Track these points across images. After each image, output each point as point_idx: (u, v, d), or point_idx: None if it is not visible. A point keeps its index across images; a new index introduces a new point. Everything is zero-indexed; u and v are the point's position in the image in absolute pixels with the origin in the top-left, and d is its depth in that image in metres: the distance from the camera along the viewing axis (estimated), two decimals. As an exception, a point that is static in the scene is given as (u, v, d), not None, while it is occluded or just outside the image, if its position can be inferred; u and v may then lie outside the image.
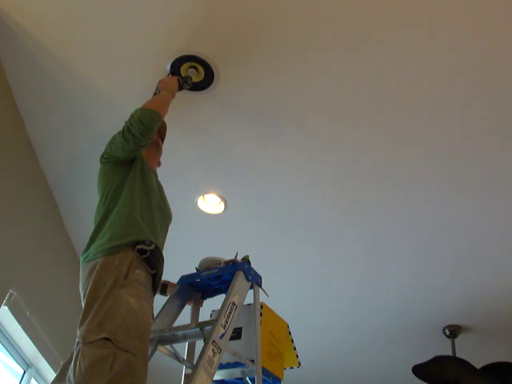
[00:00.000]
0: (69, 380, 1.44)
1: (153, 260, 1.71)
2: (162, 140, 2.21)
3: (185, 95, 2.30)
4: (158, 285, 1.76)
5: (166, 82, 2.11)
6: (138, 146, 1.86)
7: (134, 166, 1.91)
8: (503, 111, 2.25)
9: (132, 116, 1.85)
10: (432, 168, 2.55)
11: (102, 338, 1.45)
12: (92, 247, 1.71)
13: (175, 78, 2.14)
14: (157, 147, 2.14)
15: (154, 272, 1.72)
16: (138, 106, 2.29)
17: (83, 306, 1.59)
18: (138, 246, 1.69)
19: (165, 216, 1.97)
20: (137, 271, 1.65)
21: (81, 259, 1.75)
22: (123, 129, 1.85)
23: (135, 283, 1.62)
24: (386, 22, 1.98)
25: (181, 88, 2.16)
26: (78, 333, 1.51)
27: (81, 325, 1.51)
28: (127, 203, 1.80)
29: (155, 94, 2.14)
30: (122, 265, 1.63)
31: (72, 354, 1.54)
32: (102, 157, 1.97)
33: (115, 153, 1.90)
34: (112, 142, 1.93)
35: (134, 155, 1.92)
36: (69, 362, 1.58)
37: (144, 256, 1.69)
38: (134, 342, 1.49)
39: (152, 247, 1.71)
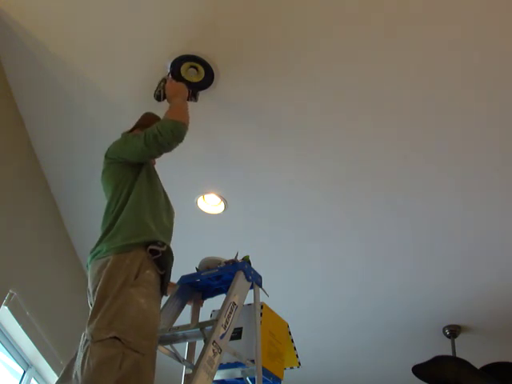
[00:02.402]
0: (76, 377, 1.45)
1: (163, 261, 1.72)
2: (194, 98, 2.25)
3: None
4: (166, 286, 1.77)
5: (178, 89, 2.09)
6: (159, 154, 1.91)
7: (142, 169, 1.93)
8: (504, 111, 2.25)
9: (162, 126, 1.85)
10: (433, 168, 2.55)
11: (111, 337, 1.46)
12: (103, 245, 1.72)
13: (185, 88, 2.12)
14: None
15: (163, 273, 1.73)
16: (138, 105, 2.32)
17: (91, 303, 1.60)
18: (151, 247, 1.70)
19: (170, 215, 1.98)
20: (147, 271, 1.66)
21: (89, 258, 1.75)
22: (147, 135, 1.85)
23: (145, 283, 1.63)
24: (386, 21, 1.98)
25: (188, 99, 2.17)
26: (86, 331, 1.51)
27: (90, 323, 1.52)
28: (138, 205, 1.81)
29: (158, 92, 2.13)
30: (133, 264, 1.64)
31: (76, 354, 1.54)
32: (106, 157, 1.96)
33: (127, 155, 1.91)
34: (124, 145, 1.92)
35: (146, 161, 1.93)
36: (72, 361, 1.58)
37: (156, 256, 1.70)
38: (143, 342, 1.50)
39: (164, 248, 1.73)
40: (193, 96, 2.22)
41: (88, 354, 1.44)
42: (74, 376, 1.47)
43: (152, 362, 1.53)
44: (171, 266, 1.78)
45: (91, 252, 1.75)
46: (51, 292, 2.96)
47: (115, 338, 1.46)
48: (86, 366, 1.42)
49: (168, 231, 1.89)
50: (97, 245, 1.75)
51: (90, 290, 1.67)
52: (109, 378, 1.39)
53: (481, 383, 3.03)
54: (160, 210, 1.88)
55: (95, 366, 1.41)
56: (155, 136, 1.83)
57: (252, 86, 2.27)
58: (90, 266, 1.73)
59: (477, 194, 2.64)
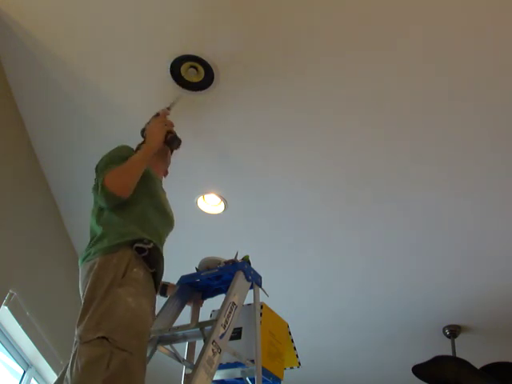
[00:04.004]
0: (66, 379, 1.45)
1: (151, 259, 1.71)
2: (171, 151, 2.14)
3: (185, 95, 2.30)
4: (159, 283, 1.76)
5: (153, 132, 1.98)
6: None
7: None
8: (504, 111, 2.25)
9: (97, 184, 1.77)
10: (432, 168, 2.55)
11: (98, 337, 1.45)
12: (91, 249, 1.72)
13: (160, 136, 1.98)
14: (164, 156, 2.10)
15: (153, 271, 1.72)
16: (138, 106, 2.32)
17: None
18: (137, 245, 1.69)
19: (166, 222, 1.94)
20: (135, 270, 1.65)
21: (79, 262, 1.75)
22: (99, 179, 1.77)
23: (133, 282, 1.62)
24: (387, 21, 1.98)
25: (166, 143, 2.05)
26: (75, 332, 1.52)
27: (79, 324, 1.52)
28: (124, 208, 1.78)
29: (143, 130, 2.09)
30: (120, 263, 1.63)
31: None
32: (96, 170, 1.88)
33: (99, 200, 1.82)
34: (97, 177, 1.82)
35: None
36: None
37: (143, 254, 1.69)
38: (131, 341, 1.49)
39: (150, 246, 1.71)
40: (171, 143, 2.06)
41: (76, 355, 1.45)
42: (65, 378, 1.48)
43: (141, 360, 1.52)
44: (162, 263, 1.77)
45: (80, 256, 1.75)
46: (51, 292, 2.96)
47: (103, 337, 1.45)
48: (74, 368, 1.43)
49: (158, 232, 1.85)
50: (86, 249, 1.75)
51: (80, 293, 1.67)
52: (96, 377, 1.39)
53: (481, 383, 3.03)
54: (152, 210, 1.85)
55: (83, 366, 1.41)
56: (96, 188, 1.77)
57: (252, 86, 2.27)
58: (80, 270, 1.73)
59: (477, 193, 2.64)
